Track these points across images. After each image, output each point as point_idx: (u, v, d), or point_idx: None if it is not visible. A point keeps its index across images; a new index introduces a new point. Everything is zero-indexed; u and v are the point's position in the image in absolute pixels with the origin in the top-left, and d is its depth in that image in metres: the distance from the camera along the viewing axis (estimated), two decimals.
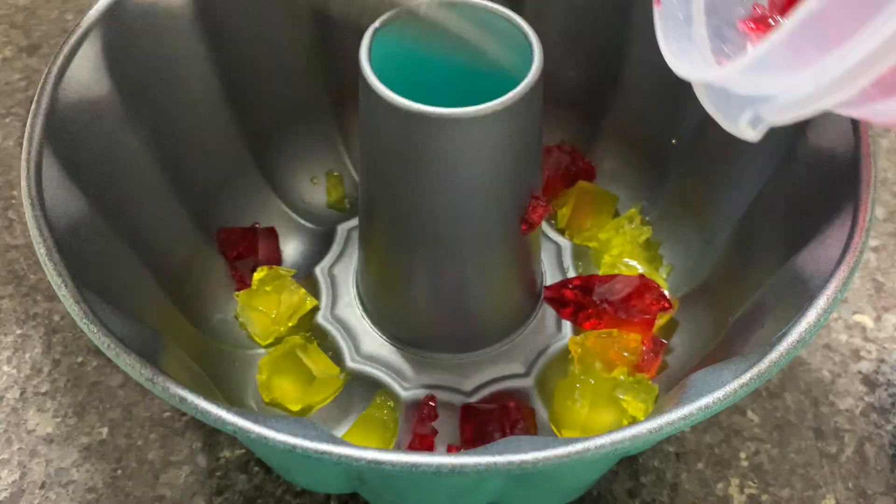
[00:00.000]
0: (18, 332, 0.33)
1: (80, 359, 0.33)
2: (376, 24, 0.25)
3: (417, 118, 0.23)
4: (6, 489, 0.29)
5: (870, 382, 0.32)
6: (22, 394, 0.32)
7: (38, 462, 0.30)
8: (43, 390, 0.32)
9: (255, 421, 0.19)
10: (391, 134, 0.25)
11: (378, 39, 0.25)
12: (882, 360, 0.32)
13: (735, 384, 0.19)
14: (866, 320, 0.33)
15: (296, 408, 0.30)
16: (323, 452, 0.18)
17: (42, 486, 0.29)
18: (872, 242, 0.35)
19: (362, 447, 0.19)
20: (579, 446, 0.18)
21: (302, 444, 0.18)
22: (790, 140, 0.27)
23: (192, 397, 0.19)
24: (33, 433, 0.31)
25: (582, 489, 0.27)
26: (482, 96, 0.24)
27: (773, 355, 0.20)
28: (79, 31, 0.26)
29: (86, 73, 0.26)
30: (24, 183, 0.23)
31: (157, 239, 0.30)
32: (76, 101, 0.26)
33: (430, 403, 0.28)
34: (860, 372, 0.32)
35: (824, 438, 0.30)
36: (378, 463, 0.18)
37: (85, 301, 0.21)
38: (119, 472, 0.30)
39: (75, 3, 0.45)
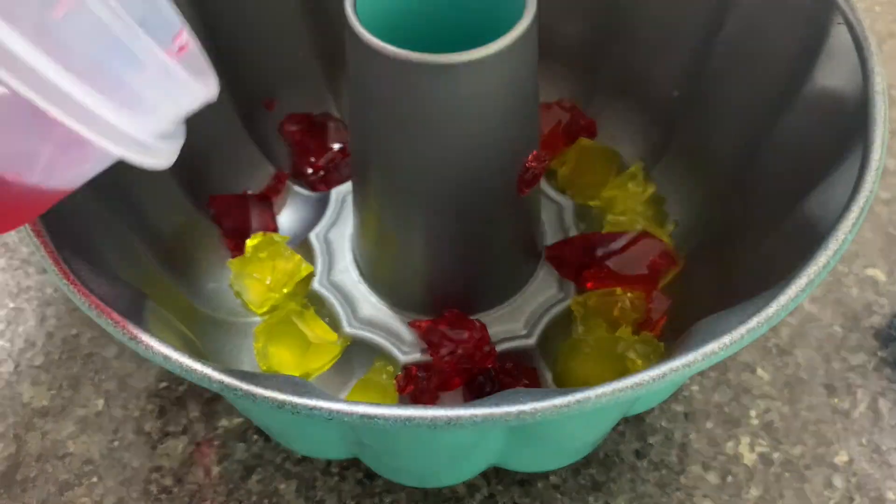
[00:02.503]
0: (11, 305, 0.33)
1: (74, 331, 0.32)
2: None
3: (406, 66, 0.22)
4: (3, 462, 0.29)
5: (882, 337, 0.31)
6: (16, 367, 0.31)
7: (33, 435, 0.30)
8: (37, 363, 0.31)
9: (242, 378, 0.18)
10: (380, 84, 0.24)
11: None
12: (895, 315, 0.31)
13: (742, 329, 0.19)
14: (878, 274, 0.32)
15: (293, 375, 0.29)
16: (312, 408, 0.18)
17: (38, 459, 0.29)
18: (884, 195, 0.34)
19: (353, 402, 0.18)
20: (579, 395, 0.18)
21: (290, 399, 0.18)
22: (796, 82, 0.26)
23: (176, 355, 0.19)
24: (28, 406, 0.30)
25: (586, 449, 0.26)
26: (477, 42, 0.23)
27: (782, 299, 0.19)
28: None
29: None
30: None
31: (147, 207, 0.29)
32: None
33: (413, 372, 0.28)
34: (872, 326, 0.31)
35: (836, 394, 0.30)
36: (370, 417, 0.18)
37: (66, 262, 0.20)
38: (116, 443, 0.29)
39: None
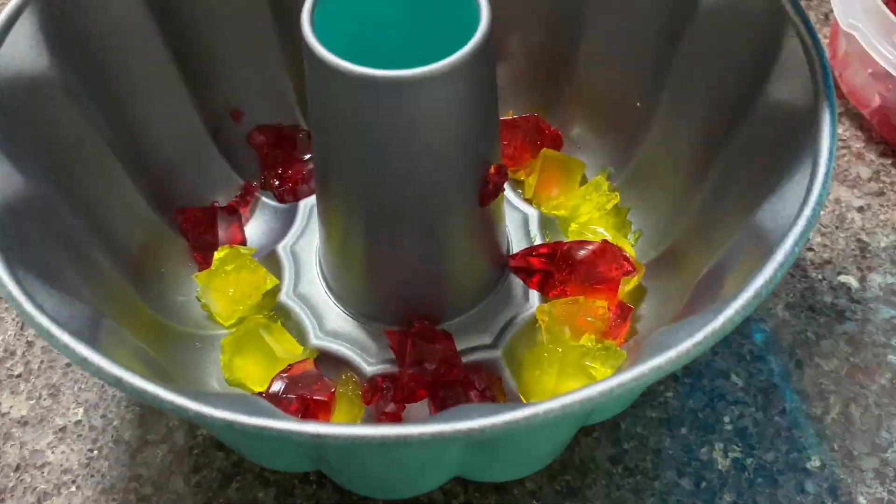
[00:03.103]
0: None
1: (38, 332, 0.32)
2: None
3: (362, 82, 0.23)
4: None
5: (854, 343, 0.31)
6: None
7: (12, 445, 0.30)
8: (17, 373, 0.31)
9: (194, 398, 0.18)
10: (338, 100, 0.24)
11: (323, 4, 0.24)
12: (867, 321, 0.32)
13: (688, 343, 0.19)
14: (851, 281, 0.33)
15: (258, 388, 0.29)
16: (262, 428, 0.18)
17: (17, 469, 0.29)
18: (857, 202, 0.35)
19: (305, 421, 0.18)
20: (528, 411, 0.18)
21: (239, 419, 0.18)
22: (751, 94, 0.26)
23: (127, 376, 0.19)
24: (7, 416, 0.30)
25: (549, 457, 0.26)
26: (433, 59, 0.23)
27: (728, 312, 0.19)
28: (12, 5, 0.25)
29: (22, 48, 0.25)
30: None
31: (111, 220, 0.29)
32: (12, 77, 0.25)
33: (378, 384, 0.28)
34: (845, 332, 0.31)
35: (809, 400, 0.30)
36: (319, 437, 0.18)
37: (17, 281, 0.20)
38: (95, 452, 0.29)
39: None
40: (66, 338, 0.19)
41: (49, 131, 0.26)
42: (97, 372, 0.19)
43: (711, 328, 0.19)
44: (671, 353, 0.19)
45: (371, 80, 0.22)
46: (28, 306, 0.20)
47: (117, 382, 0.19)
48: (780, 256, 0.20)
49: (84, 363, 0.19)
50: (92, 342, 0.20)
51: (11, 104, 0.25)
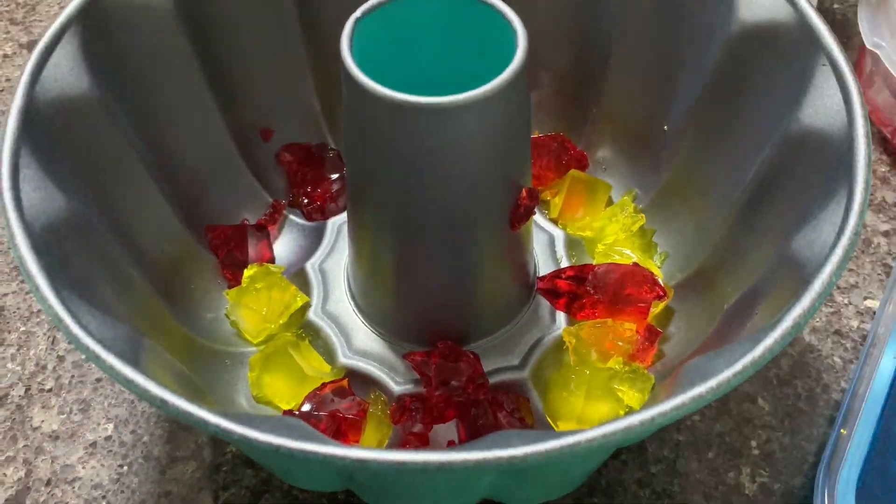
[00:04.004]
0: (22, 328, 0.33)
1: (84, 355, 0.32)
2: (358, 13, 0.24)
3: (401, 108, 0.23)
4: (12, 486, 0.29)
5: None
6: (27, 391, 0.31)
7: (43, 459, 0.30)
8: (48, 387, 0.32)
9: (239, 421, 0.18)
10: (375, 125, 0.24)
11: (360, 29, 0.24)
12: None
13: (728, 373, 0.19)
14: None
15: (286, 406, 0.29)
16: (308, 452, 0.18)
17: (48, 484, 0.29)
18: (883, 227, 0.35)
19: (348, 445, 0.18)
20: (570, 440, 0.18)
21: (286, 444, 0.18)
22: (782, 120, 0.26)
23: (173, 399, 0.19)
24: (38, 430, 0.30)
25: (578, 481, 0.27)
26: (468, 83, 0.23)
27: (768, 342, 0.20)
28: (55, 27, 0.26)
29: (64, 70, 0.26)
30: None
31: (144, 237, 0.30)
32: (55, 98, 0.25)
33: (407, 404, 0.28)
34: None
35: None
36: (363, 462, 0.18)
37: (63, 303, 0.20)
38: (125, 468, 0.30)
39: None
40: (112, 360, 0.19)
41: (88, 151, 0.27)
42: (143, 394, 0.19)
43: (751, 358, 0.19)
44: (712, 383, 0.19)
45: (411, 107, 0.23)
46: (75, 328, 0.20)
47: (162, 404, 0.19)
48: (817, 286, 0.20)
49: (130, 385, 0.19)
50: (135, 363, 0.20)
51: (54, 125, 0.25)
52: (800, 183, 0.25)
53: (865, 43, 0.35)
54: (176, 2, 0.29)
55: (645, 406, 0.19)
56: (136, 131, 0.29)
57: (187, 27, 0.30)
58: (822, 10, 0.42)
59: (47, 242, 0.22)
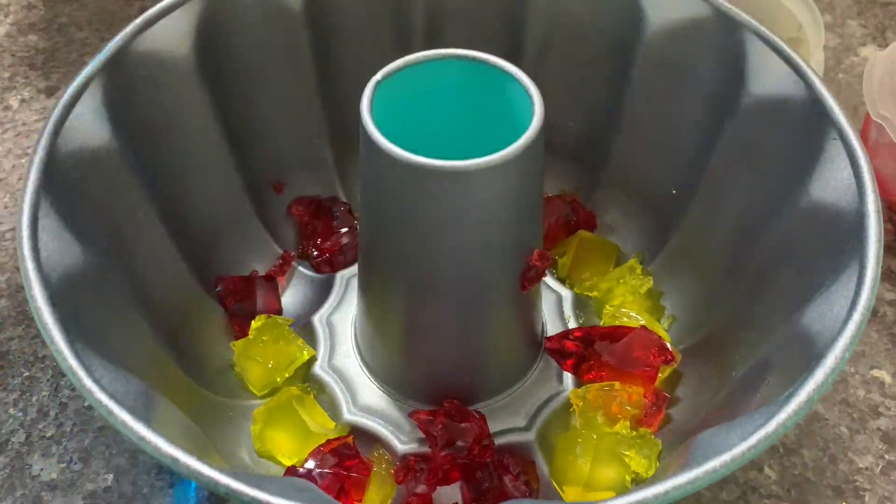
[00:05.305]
0: (26, 374, 0.33)
1: (87, 402, 0.32)
2: (378, 76, 0.25)
3: (419, 171, 0.23)
4: None
5: (889, 440, 0.31)
6: (27, 437, 0.31)
7: None
8: (49, 434, 0.31)
9: (249, 483, 0.18)
10: (392, 185, 0.25)
11: (380, 91, 0.25)
12: None
13: (742, 447, 0.19)
14: (884, 376, 0.33)
15: (289, 462, 0.29)
16: None
17: None
18: (889, 296, 0.35)
19: None
20: None
21: None
22: (792, 191, 0.26)
23: (184, 457, 0.19)
24: (37, 479, 0.30)
25: None
26: (484, 146, 0.24)
27: (781, 417, 0.19)
28: (79, 80, 0.26)
29: (86, 121, 0.26)
30: (19, 235, 0.23)
31: (155, 287, 0.30)
32: (76, 149, 0.26)
33: (411, 464, 0.28)
34: (879, 429, 0.31)
35: (844, 497, 0.30)
36: None
37: (76, 356, 0.20)
38: None
39: (94, 47, 0.45)
40: (125, 416, 0.19)
41: (105, 201, 0.27)
42: (154, 452, 0.19)
43: (764, 432, 0.19)
44: (726, 457, 0.19)
45: (429, 170, 0.23)
46: (87, 382, 0.20)
47: (173, 462, 0.19)
48: (830, 361, 0.20)
49: (141, 442, 0.19)
50: (146, 420, 0.20)
51: (73, 175, 0.25)
52: (810, 255, 0.25)
53: (871, 115, 0.36)
54: (198, 56, 0.30)
55: (657, 478, 0.19)
56: (152, 182, 0.30)
57: (208, 81, 0.30)
58: (828, 79, 0.43)
59: (63, 293, 0.22)
